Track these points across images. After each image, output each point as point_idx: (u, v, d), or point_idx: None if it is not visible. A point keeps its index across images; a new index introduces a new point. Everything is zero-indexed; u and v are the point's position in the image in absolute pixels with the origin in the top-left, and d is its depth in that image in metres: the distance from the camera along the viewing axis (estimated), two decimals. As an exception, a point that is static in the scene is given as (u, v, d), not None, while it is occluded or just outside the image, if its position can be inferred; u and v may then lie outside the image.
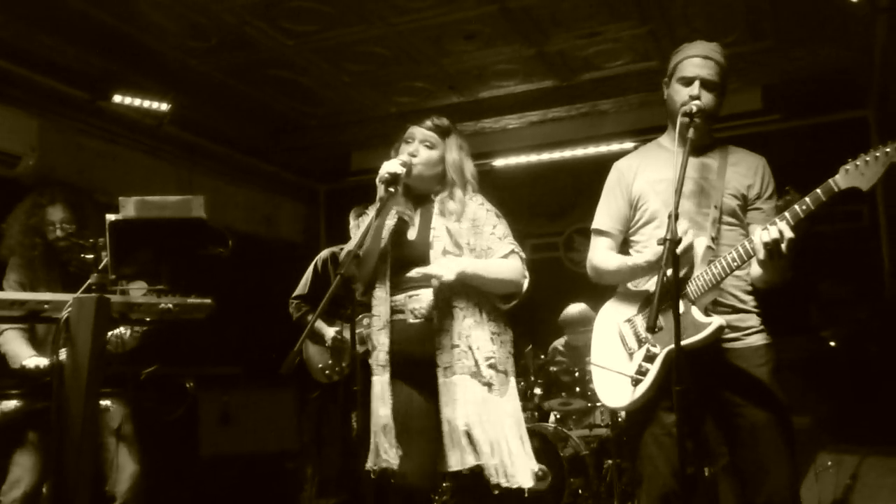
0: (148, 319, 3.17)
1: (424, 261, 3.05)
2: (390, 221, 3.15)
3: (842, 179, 2.47)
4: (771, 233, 2.47)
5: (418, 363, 3.02)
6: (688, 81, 2.86)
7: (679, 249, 2.44)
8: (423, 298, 3.06)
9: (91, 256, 2.98)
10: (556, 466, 5.09)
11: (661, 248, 2.40)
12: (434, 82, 6.12)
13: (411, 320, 3.06)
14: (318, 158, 7.72)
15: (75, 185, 3.86)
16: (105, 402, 3.54)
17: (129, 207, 2.95)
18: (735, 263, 2.63)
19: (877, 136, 6.26)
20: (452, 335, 2.99)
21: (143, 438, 3.75)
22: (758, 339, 2.78)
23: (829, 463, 4.30)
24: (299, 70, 5.79)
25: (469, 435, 2.92)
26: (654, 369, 2.75)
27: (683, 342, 2.40)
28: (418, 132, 3.17)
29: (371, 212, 3.04)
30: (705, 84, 2.84)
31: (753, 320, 2.81)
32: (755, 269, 2.77)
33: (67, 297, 2.87)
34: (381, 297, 3.11)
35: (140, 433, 3.74)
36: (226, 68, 5.76)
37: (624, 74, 6.04)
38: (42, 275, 3.76)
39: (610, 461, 5.38)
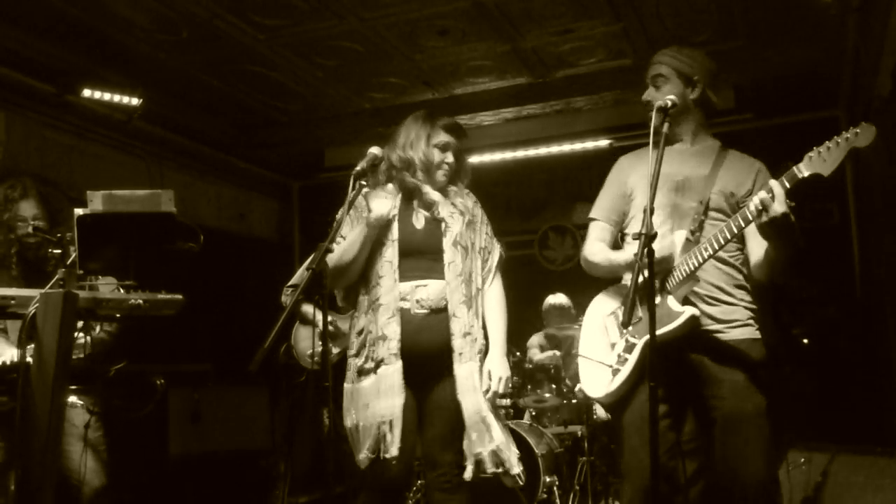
0: (117, 315, 3.13)
1: (436, 250, 3.14)
2: (381, 209, 3.13)
3: (805, 166, 2.51)
4: (760, 195, 2.52)
5: (429, 353, 3.07)
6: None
7: (657, 255, 2.52)
8: (430, 289, 3.10)
9: (58, 251, 2.92)
10: (531, 463, 5.09)
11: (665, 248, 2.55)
12: (408, 78, 6.09)
13: (416, 310, 3.09)
14: (292, 155, 7.66)
15: (47, 178, 3.75)
16: (72, 399, 3.49)
17: (97, 201, 2.90)
18: (715, 245, 2.67)
19: (847, 135, 6.32)
20: (464, 323, 3.08)
21: (110, 438, 3.69)
22: (742, 333, 2.81)
23: (802, 460, 4.33)
24: (271, 65, 5.74)
25: (486, 420, 3.03)
26: (632, 359, 2.82)
27: (658, 332, 2.44)
28: (453, 144, 3.29)
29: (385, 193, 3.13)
30: (654, 81, 3.07)
31: (740, 314, 2.83)
32: (755, 256, 2.81)
33: (34, 292, 2.82)
34: (389, 286, 3.10)
35: (108, 434, 3.68)
36: (196, 62, 5.69)
37: (598, 72, 6.04)
38: (13, 272, 3.67)
39: (584, 458, 5.39)
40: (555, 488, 5.17)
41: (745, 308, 2.85)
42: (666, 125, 2.60)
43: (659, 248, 2.62)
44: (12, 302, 2.87)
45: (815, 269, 5.39)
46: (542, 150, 7.17)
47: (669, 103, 2.64)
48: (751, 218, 2.57)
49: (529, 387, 5.63)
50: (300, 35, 5.25)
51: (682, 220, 2.85)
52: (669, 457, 2.76)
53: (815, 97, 6.33)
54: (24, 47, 5.12)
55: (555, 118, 6.81)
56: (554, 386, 5.60)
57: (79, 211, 2.88)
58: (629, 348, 2.85)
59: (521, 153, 7.24)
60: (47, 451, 2.85)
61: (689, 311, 2.70)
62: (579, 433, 5.60)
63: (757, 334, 2.83)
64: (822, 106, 6.40)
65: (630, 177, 3.11)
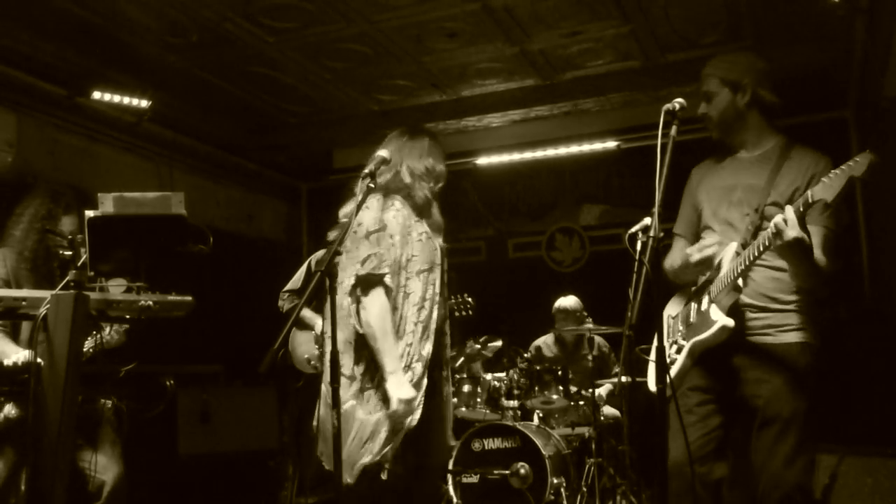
0: (127, 317, 3.15)
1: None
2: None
3: (818, 192, 2.57)
4: (776, 220, 2.62)
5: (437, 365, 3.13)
6: None
7: (696, 258, 2.82)
8: None
9: (70, 253, 2.94)
10: (538, 465, 5.10)
11: (711, 249, 2.81)
12: (416, 80, 6.11)
13: None
14: (300, 156, 7.69)
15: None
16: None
17: (108, 203, 2.93)
18: (748, 260, 2.77)
19: (856, 136, 6.31)
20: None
21: (121, 437, 3.72)
22: (792, 337, 2.91)
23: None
24: (280, 67, 5.76)
25: None
26: (679, 359, 3.01)
27: (697, 338, 2.76)
28: None
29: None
30: (705, 96, 3.14)
31: (791, 318, 2.92)
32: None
33: (45, 293, 2.85)
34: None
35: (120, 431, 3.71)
36: (206, 65, 5.72)
37: (606, 74, 6.05)
38: (35, 279, 3.66)
39: (592, 460, 5.40)
40: (562, 490, 5.17)
41: (798, 313, 2.92)
42: (674, 128, 2.60)
43: (700, 251, 2.88)
44: (23, 303, 2.90)
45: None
46: (550, 152, 7.18)
47: (677, 106, 2.64)
48: (768, 243, 2.67)
49: (537, 388, 5.64)
50: (309, 37, 5.28)
51: (738, 232, 2.95)
52: (708, 441, 2.93)
53: (824, 98, 6.32)
54: (35, 50, 5.16)
55: (563, 120, 6.82)
56: (561, 388, 5.60)
57: (90, 213, 2.90)
58: (679, 349, 3.03)
59: (528, 155, 7.25)
60: (59, 451, 2.87)
61: (722, 321, 2.83)
62: (587, 435, 5.60)
63: (807, 338, 2.92)
64: (830, 107, 6.38)
65: (697, 190, 3.21)
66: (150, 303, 3.00)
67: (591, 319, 5.76)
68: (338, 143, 7.41)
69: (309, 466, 6.04)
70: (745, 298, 2.92)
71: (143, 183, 6.29)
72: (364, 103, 6.54)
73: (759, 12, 5.17)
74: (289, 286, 5.18)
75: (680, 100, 2.70)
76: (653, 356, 2.87)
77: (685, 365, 3.00)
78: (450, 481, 5.60)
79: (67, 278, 2.91)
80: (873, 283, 6.11)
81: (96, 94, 5.43)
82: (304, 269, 5.20)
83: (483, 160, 7.30)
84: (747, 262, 2.78)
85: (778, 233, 2.59)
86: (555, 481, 5.12)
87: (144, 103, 5.67)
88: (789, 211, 2.59)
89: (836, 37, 5.33)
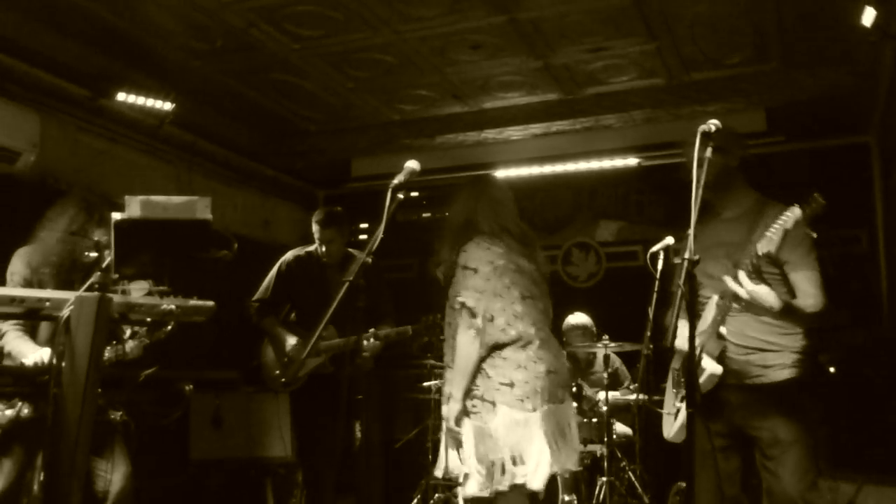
0: (148, 320, 3.14)
1: None
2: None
3: (761, 246, 2.88)
4: (728, 283, 2.99)
5: None
6: None
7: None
8: None
9: (94, 255, 2.93)
10: (550, 482, 5.04)
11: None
12: (437, 91, 6.10)
13: None
14: (318, 163, 7.68)
15: (113, 201, 3.73)
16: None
17: (135, 207, 2.92)
18: (724, 310, 3.08)
19: (878, 162, 6.27)
20: None
21: (135, 441, 3.70)
22: (783, 374, 3.11)
23: (828, 489, 4.29)
24: (303, 74, 5.77)
25: None
26: (683, 407, 3.24)
27: None
28: None
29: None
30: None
31: (784, 358, 3.13)
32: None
33: (69, 295, 2.83)
34: None
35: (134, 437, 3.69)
36: (229, 70, 5.73)
37: (628, 90, 6.04)
38: (56, 283, 3.65)
39: (603, 478, 5.36)
40: (574, 507, 5.13)
41: (791, 353, 3.14)
42: (709, 150, 2.59)
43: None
44: (47, 304, 2.89)
45: (842, 296, 5.33)
46: (570, 167, 7.16)
47: (713, 128, 2.63)
48: (728, 302, 3.03)
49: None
50: (334, 46, 5.28)
51: (720, 284, 3.11)
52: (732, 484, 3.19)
53: (847, 122, 6.29)
54: (59, 51, 5.18)
55: (583, 135, 6.79)
56: (574, 404, 5.55)
57: (116, 215, 2.89)
58: (682, 398, 3.28)
59: (547, 169, 7.23)
60: (76, 454, 2.86)
61: (710, 369, 3.06)
62: (599, 453, 5.56)
63: (798, 375, 3.13)
64: (853, 131, 6.36)
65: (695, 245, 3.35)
66: (173, 307, 2.99)
67: (607, 336, 5.71)
68: (356, 151, 7.40)
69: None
70: (734, 342, 3.13)
71: (163, 186, 6.29)
72: (384, 113, 6.54)
73: (787, 34, 5.15)
74: (258, 295, 4.98)
75: (715, 121, 2.68)
76: (665, 409, 3.05)
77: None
78: (460, 494, 5.57)
79: (91, 280, 2.89)
80: (892, 310, 6.06)
81: (120, 96, 5.43)
82: (272, 275, 4.99)
83: (501, 173, 7.27)
84: (722, 314, 3.07)
85: (734, 295, 2.96)
86: (566, 498, 5.08)
87: (167, 106, 5.67)
88: (741, 275, 2.92)
89: (863, 62, 5.31)
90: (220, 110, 6.48)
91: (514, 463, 3.28)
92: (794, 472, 3.02)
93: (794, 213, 2.77)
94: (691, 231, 2.40)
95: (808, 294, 3.06)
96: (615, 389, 6.03)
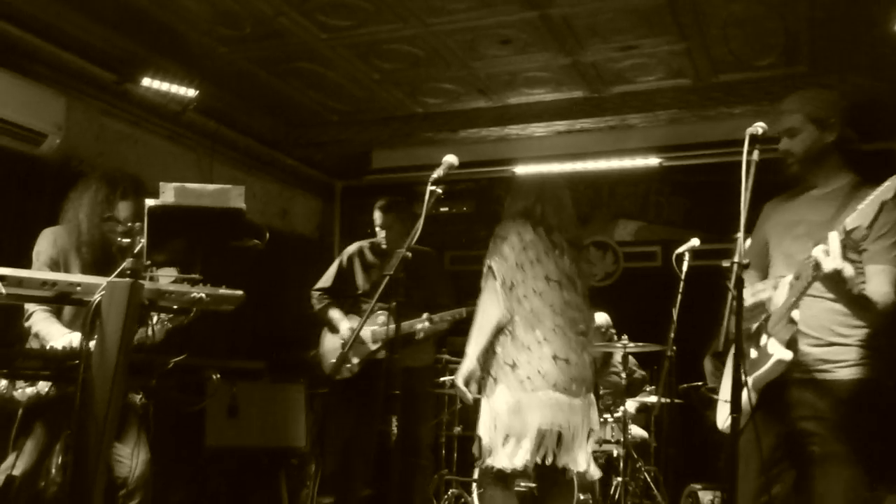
0: (175, 307, 3.13)
1: None
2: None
3: (853, 219, 2.61)
4: (816, 251, 2.64)
5: None
6: None
7: (749, 303, 2.73)
8: None
9: (127, 240, 2.92)
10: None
11: (764, 293, 2.83)
12: (463, 85, 6.07)
13: None
14: (338, 154, 7.66)
15: (141, 180, 3.72)
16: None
17: (169, 193, 2.90)
18: (801, 287, 2.75)
19: (904, 168, 6.22)
20: None
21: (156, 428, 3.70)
22: (850, 373, 2.84)
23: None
24: (329, 64, 5.74)
25: None
26: (743, 397, 2.93)
27: (757, 373, 2.66)
28: None
29: None
30: (788, 133, 3.10)
31: (850, 353, 2.85)
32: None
33: (100, 280, 2.82)
34: None
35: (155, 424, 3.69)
36: (255, 58, 5.71)
37: (655, 90, 6.00)
38: (82, 263, 3.64)
39: (619, 479, 5.34)
40: (589, 508, 5.12)
41: (859, 348, 2.86)
42: (755, 153, 2.55)
43: (754, 296, 2.84)
44: (78, 289, 2.88)
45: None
46: (590, 165, 7.11)
47: (760, 130, 2.60)
48: (810, 274, 2.68)
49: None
50: (362, 36, 5.25)
51: (798, 265, 2.89)
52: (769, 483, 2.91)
53: (873, 128, 6.23)
54: (86, 34, 5.16)
55: (607, 134, 6.76)
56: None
57: (150, 202, 2.88)
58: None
59: (568, 166, 7.19)
60: (103, 438, 2.85)
61: (778, 354, 2.78)
62: (615, 453, 5.54)
63: (867, 374, 2.85)
64: (878, 137, 6.30)
65: (765, 224, 3.22)
66: (202, 295, 2.97)
67: (626, 336, 5.69)
68: (378, 143, 7.38)
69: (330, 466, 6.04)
70: (804, 331, 2.87)
71: (184, 172, 6.28)
72: (408, 105, 6.51)
73: (818, 38, 5.10)
74: (320, 284, 5.11)
75: (762, 124, 2.65)
76: (723, 396, 2.89)
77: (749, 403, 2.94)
78: (474, 493, 5.56)
79: (123, 266, 2.88)
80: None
81: (145, 81, 5.42)
82: (335, 266, 5.11)
83: (521, 169, 7.23)
84: (797, 295, 2.77)
85: (817, 264, 2.63)
86: (581, 497, 5.06)
87: (191, 93, 5.66)
88: (832, 239, 2.60)
89: (890, 68, 5.26)
90: (243, 98, 6.46)
91: (511, 444, 3.34)
92: (848, 489, 2.79)
93: (893, 182, 2.53)
94: (741, 234, 2.36)
95: (880, 290, 2.81)
96: (630, 391, 6.01)
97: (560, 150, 7.02)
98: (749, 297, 2.88)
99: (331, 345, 5.01)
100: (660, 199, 7.32)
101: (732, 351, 3.09)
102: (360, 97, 6.36)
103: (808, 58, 5.41)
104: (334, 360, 4.95)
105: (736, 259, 2.33)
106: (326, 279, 5.10)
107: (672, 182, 7.11)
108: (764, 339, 2.90)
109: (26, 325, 3.55)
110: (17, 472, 3.36)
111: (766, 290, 2.90)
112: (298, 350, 6.74)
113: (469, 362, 3.44)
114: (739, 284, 2.31)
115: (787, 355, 2.79)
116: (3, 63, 4.79)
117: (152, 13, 5.01)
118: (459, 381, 3.45)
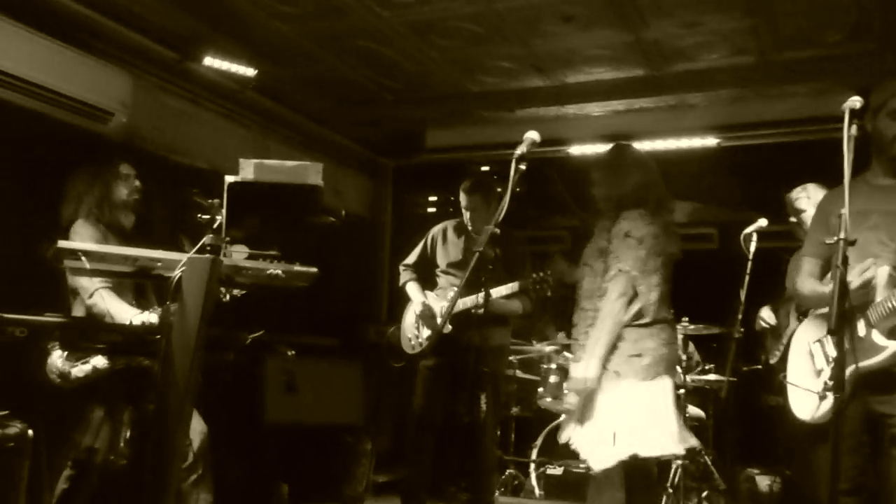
0: (249, 284, 3.16)
1: None
2: None
3: None
4: None
5: None
6: None
7: (856, 284, 2.63)
8: None
9: (207, 217, 2.94)
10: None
11: (870, 272, 2.71)
12: (520, 63, 6.00)
13: None
14: (391, 133, 7.66)
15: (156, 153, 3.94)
16: None
17: (249, 170, 2.92)
18: None
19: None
20: None
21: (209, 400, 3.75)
22: None
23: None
24: (388, 42, 5.70)
25: None
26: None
27: (860, 364, 2.58)
28: None
29: None
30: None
31: None
32: None
33: (180, 255, 2.85)
34: None
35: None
36: (313, 35, 5.68)
37: (717, 68, 5.88)
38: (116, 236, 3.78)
39: (678, 461, 5.29)
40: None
41: None
42: (854, 127, 2.49)
43: (861, 275, 2.73)
44: (158, 265, 2.92)
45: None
46: (647, 145, 7.00)
47: (858, 105, 2.54)
48: None
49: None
50: (424, 14, 5.19)
51: (880, 257, 2.86)
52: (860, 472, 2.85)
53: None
54: (151, 12, 5.18)
55: (666, 112, 6.65)
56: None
57: (230, 178, 2.90)
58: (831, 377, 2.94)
59: (624, 146, 7.09)
60: (183, 412, 2.89)
61: (893, 346, 2.72)
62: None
63: None
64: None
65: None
66: (279, 271, 3.00)
67: (686, 319, 5.63)
68: (432, 122, 7.36)
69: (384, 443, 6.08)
70: None
71: (240, 150, 6.29)
72: (463, 84, 6.46)
73: (890, 13, 4.96)
74: (408, 260, 5.24)
75: (858, 98, 2.59)
76: (804, 385, 2.83)
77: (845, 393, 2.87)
78: (532, 472, 5.56)
79: (203, 241, 2.91)
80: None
81: (207, 60, 5.45)
82: (422, 244, 5.21)
83: (576, 149, 7.16)
84: None
85: None
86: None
87: (251, 72, 5.68)
88: None
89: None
90: (299, 76, 6.45)
91: (631, 433, 3.33)
92: None
93: None
94: (845, 210, 2.31)
95: None
96: (690, 371, 5.96)
97: (617, 129, 6.91)
98: (856, 278, 2.79)
99: (409, 320, 5.11)
100: (716, 181, 7.20)
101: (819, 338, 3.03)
102: (416, 75, 6.32)
103: (879, 34, 5.27)
104: (410, 335, 5.07)
105: (842, 235, 2.28)
106: (412, 255, 5.23)
107: (728, 163, 6.99)
108: (862, 329, 2.79)
109: (88, 301, 3.62)
110: (98, 444, 3.43)
111: (870, 269, 2.81)
112: (352, 327, 6.79)
113: (597, 362, 3.42)
114: (845, 262, 2.26)
115: None
116: (70, 40, 4.83)
117: (213, -9, 5.02)
118: (589, 383, 3.43)
